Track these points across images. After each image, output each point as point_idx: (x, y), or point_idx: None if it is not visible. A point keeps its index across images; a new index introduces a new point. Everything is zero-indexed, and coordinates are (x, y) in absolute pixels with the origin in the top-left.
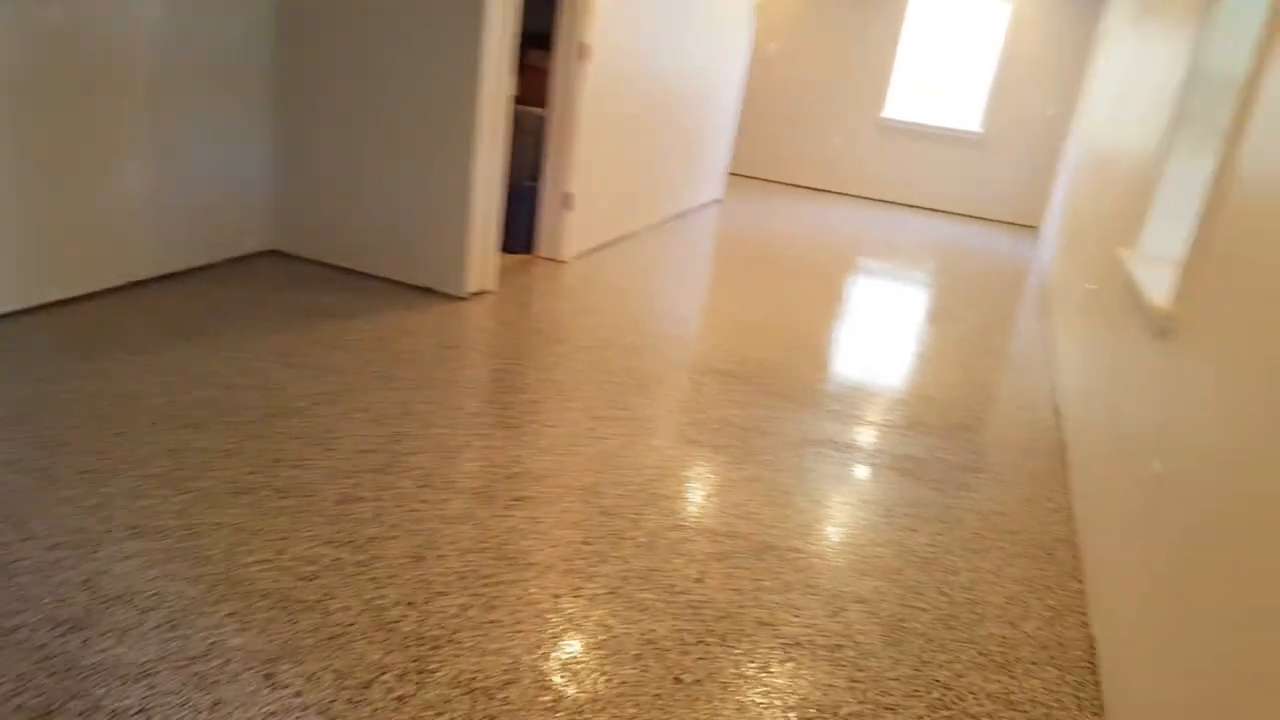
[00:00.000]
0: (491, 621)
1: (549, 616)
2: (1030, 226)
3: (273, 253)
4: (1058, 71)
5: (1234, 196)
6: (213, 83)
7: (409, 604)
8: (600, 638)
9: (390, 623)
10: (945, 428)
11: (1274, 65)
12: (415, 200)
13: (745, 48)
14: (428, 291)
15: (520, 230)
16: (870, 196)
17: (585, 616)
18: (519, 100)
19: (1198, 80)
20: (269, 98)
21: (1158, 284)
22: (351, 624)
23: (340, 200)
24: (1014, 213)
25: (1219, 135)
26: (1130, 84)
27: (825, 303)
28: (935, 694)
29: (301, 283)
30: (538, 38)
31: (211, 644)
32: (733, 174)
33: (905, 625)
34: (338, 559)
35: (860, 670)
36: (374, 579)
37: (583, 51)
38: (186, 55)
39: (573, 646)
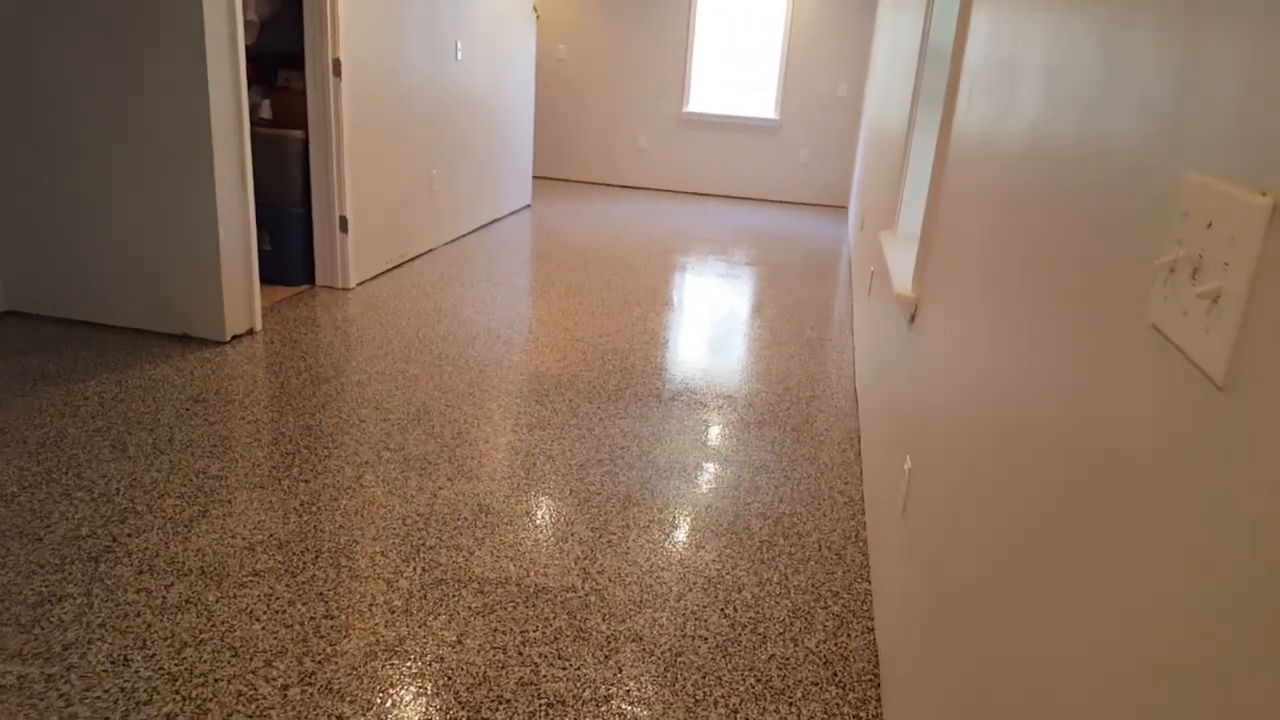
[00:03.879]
0: None
1: (271, 715)
2: (841, 207)
3: (11, 314)
4: (844, 52)
5: (947, 172)
6: None
7: None
8: None
9: None
10: (743, 425)
11: (971, 36)
12: (156, 239)
13: (530, 51)
14: (184, 339)
15: (296, 261)
16: (679, 190)
17: (314, 710)
18: (276, 124)
19: (927, 55)
20: None
21: (906, 269)
22: None
23: (74, 247)
24: (821, 194)
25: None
26: (892, 62)
27: (633, 304)
28: None
29: (36, 345)
30: (290, 58)
31: None
32: (540, 178)
33: (682, 660)
34: (23, 676)
35: None
36: (64, 695)
37: (336, 68)
38: None
39: None
